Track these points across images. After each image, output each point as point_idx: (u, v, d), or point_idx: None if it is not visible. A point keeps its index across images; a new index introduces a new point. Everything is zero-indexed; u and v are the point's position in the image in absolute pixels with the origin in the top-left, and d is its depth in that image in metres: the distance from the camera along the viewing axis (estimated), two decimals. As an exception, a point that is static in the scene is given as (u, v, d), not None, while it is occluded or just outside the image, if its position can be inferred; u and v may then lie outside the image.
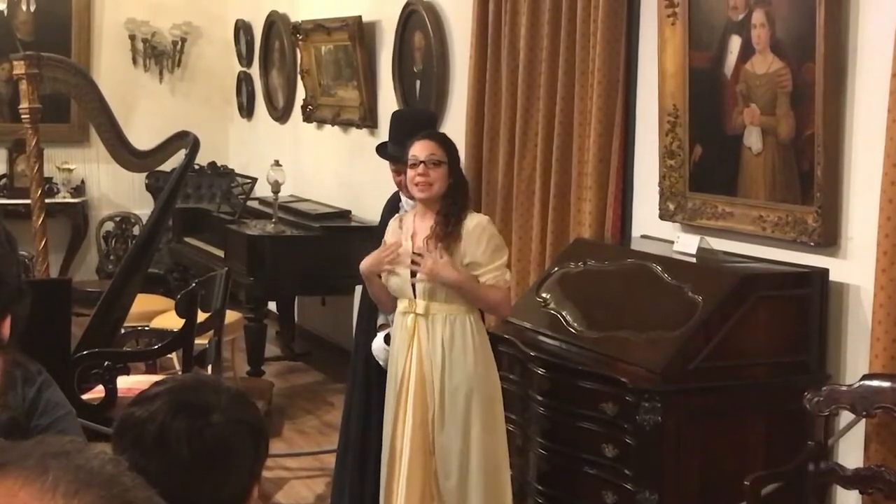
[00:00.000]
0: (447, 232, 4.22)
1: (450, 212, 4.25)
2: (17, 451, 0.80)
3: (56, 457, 0.79)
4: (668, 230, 5.06)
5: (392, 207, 4.90)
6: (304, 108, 8.77)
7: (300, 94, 8.89)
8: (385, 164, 7.32)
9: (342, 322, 7.99)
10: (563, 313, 4.65)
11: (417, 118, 5.07)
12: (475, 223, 4.24)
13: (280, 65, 9.25)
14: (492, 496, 4.27)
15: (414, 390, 4.28)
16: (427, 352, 4.26)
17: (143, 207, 9.26)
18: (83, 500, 0.76)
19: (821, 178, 4.26)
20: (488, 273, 4.21)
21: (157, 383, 1.97)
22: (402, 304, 4.31)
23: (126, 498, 0.78)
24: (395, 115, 5.12)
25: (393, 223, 4.45)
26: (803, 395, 3.89)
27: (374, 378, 4.78)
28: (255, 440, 1.93)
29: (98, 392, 5.20)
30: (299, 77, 8.81)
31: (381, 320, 4.74)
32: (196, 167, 9.13)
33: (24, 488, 0.76)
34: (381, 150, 4.93)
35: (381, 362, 4.60)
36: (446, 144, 4.34)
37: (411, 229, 4.32)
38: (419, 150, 4.28)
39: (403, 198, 4.80)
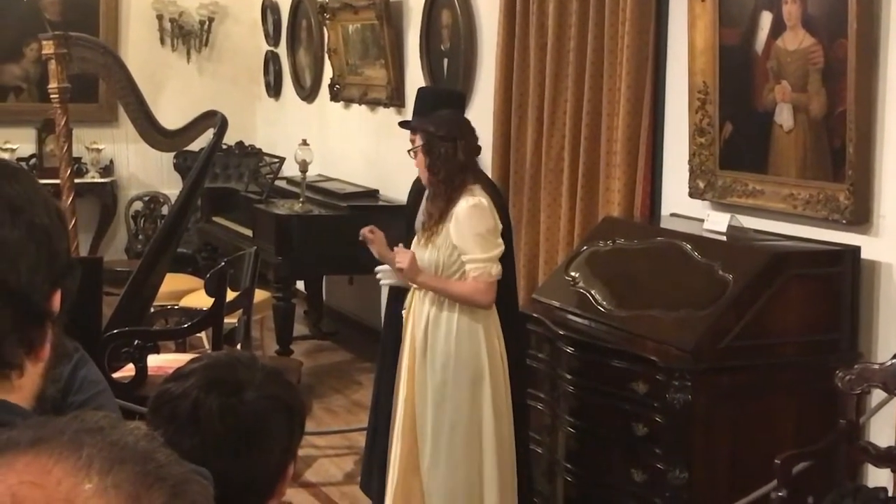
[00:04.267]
0: (437, 214, 4.27)
1: (435, 192, 4.29)
2: (52, 427, 0.80)
3: (90, 433, 0.79)
4: (698, 208, 5.03)
5: (418, 188, 4.89)
6: (331, 87, 8.76)
7: (327, 73, 8.88)
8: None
9: (370, 301, 8.00)
10: (592, 292, 4.64)
11: (442, 95, 5.04)
12: (464, 205, 4.22)
13: (307, 44, 9.24)
14: (466, 482, 4.28)
15: (406, 366, 4.38)
16: (414, 328, 4.36)
17: (172, 187, 9.28)
18: (117, 477, 0.76)
19: (852, 155, 4.23)
20: (472, 263, 4.21)
21: (193, 360, 1.98)
22: None
23: (160, 474, 0.78)
24: (420, 91, 5.10)
25: None
26: (835, 373, 3.86)
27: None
28: (290, 418, 1.92)
29: (128, 371, 5.23)
30: (326, 56, 8.80)
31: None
32: (224, 147, 9.12)
33: (59, 464, 0.76)
34: (405, 122, 4.94)
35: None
36: (422, 128, 4.39)
37: None
38: None
39: None
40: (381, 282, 4.81)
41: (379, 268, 4.74)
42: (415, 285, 4.40)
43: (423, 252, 4.31)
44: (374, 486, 5.05)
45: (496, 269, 4.24)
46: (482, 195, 4.29)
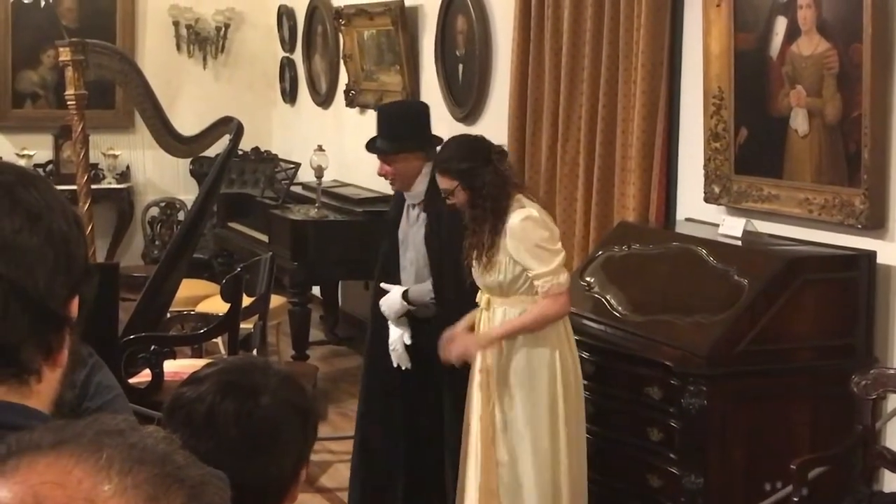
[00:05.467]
0: (490, 240, 4.20)
1: (482, 220, 4.22)
2: (72, 429, 0.81)
3: (110, 435, 0.80)
4: (714, 213, 5.02)
5: (399, 198, 4.90)
6: (346, 92, 8.77)
7: (343, 78, 8.90)
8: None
9: (386, 306, 7.99)
10: (608, 297, 4.64)
11: (403, 112, 4.92)
12: (516, 220, 4.17)
13: (323, 50, 9.26)
14: (546, 484, 4.26)
15: (478, 386, 4.31)
16: (484, 352, 4.31)
17: (188, 193, 9.31)
18: (136, 478, 0.77)
19: (868, 159, 4.22)
20: (537, 280, 4.15)
21: (208, 364, 1.99)
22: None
23: (179, 476, 0.79)
24: (381, 110, 4.99)
25: None
26: (850, 378, 3.86)
27: (390, 366, 4.83)
28: (304, 422, 1.94)
29: (145, 376, 5.24)
30: (342, 62, 8.82)
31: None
32: (240, 153, 9.15)
33: (79, 466, 0.77)
34: (371, 145, 4.88)
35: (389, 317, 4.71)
36: (449, 169, 4.30)
37: None
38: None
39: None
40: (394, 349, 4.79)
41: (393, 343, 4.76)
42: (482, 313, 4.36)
43: (486, 277, 4.25)
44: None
45: (563, 278, 4.15)
46: (530, 204, 4.23)
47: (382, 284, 4.79)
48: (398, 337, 4.71)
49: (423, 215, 4.69)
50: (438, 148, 4.53)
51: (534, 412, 4.22)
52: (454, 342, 4.32)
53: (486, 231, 4.20)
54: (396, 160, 4.64)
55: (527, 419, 4.23)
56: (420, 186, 4.66)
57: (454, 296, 4.58)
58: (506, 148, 4.66)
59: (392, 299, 4.70)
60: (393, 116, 4.78)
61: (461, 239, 4.35)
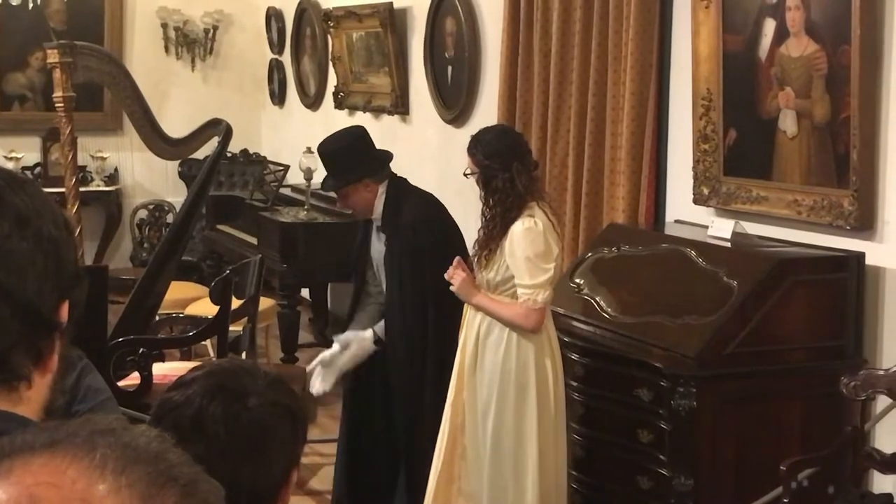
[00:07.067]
0: (495, 243, 4.26)
1: (490, 221, 4.29)
2: (66, 429, 0.81)
3: (103, 434, 0.80)
4: (703, 215, 5.03)
5: (365, 231, 4.96)
6: (335, 94, 8.77)
7: (332, 80, 8.90)
8: (421, 152, 7.32)
9: (375, 309, 7.98)
10: (597, 298, 4.64)
11: (339, 146, 4.83)
12: (519, 227, 4.21)
13: (311, 52, 9.26)
14: (509, 485, 4.29)
15: (456, 374, 4.41)
16: (466, 339, 4.39)
17: (177, 195, 9.30)
18: (130, 477, 0.77)
19: (857, 161, 4.23)
20: (520, 289, 4.22)
21: (194, 368, 1.98)
22: None
23: (172, 474, 0.79)
24: (319, 149, 4.95)
25: None
26: (840, 379, 3.86)
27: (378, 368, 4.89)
28: (293, 424, 1.93)
29: (134, 379, 5.23)
30: (331, 64, 8.82)
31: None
32: (228, 155, 9.15)
33: (73, 465, 0.77)
34: (325, 185, 4.92)
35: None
36: (478, 160, 4.35)
37: None
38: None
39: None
40: (315, 382, 4.94)
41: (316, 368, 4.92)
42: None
43: (482, 272, 4.32)
44: None
45: (542, 296, 4.19)
46: (540, 216, 4.25)
47: (334, 337, 4.99)
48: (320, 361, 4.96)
49: (384, 235, 4.73)
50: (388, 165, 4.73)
51: (500, 410, 4.27)
52: (461, 273, 4.34)
53: (493, 231, 4.27)
54: (348, 193, 4.72)
55: (494, 416, 4.28)
56: (381, 207, 4.71)
57: (404, 321, 4.68)
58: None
59: (363, 347, 4.88)
60: (331, 154, 4.79)
61: (414, 263, 4.57)
